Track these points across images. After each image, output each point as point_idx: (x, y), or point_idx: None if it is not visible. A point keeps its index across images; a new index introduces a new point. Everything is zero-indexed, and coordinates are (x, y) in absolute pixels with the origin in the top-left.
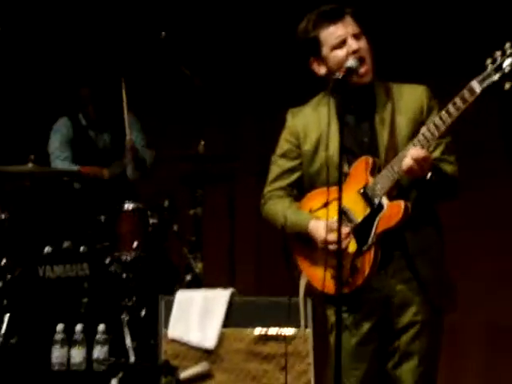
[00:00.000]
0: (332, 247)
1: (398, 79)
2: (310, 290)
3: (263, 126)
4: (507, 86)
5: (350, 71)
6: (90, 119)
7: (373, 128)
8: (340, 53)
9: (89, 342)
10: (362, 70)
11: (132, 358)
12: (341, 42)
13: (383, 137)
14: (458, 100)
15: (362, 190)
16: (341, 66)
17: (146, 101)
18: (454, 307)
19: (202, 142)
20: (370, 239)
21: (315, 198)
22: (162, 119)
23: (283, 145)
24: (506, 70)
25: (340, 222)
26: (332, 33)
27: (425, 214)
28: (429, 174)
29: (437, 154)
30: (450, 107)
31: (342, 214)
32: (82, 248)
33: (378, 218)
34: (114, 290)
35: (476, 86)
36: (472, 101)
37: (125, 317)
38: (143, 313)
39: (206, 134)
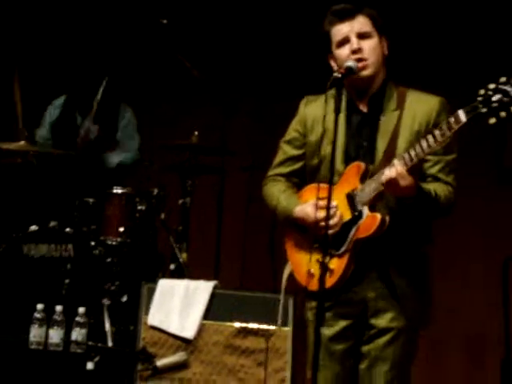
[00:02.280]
0: (323, 224)
1: (418, 86)
2: (292, 280)
3: (258, 121)
4: (492, 120)
5: (350, 71)
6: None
7: (374, 133)
8: (343, 51)
9: (68, 324)
10: (360, 64)
11: (110, 343)
12: (344, 40)
13: (382, 144)
14: (444, 126)
15: (348, 194)
16: (343, 64)
17: (142, 89)
18: (427, 323)
19: (196, 133)
20: (345, 245)
21: (311, 192)
22: (157, 108)
23: (291, 131)
24: (494, 105)
25: (327, 217)
26: (338, 30)
27: (409, 229)
28: (410, 200)
29: (433, 171)
30: (436, 132)
31: (334, 208)
32: (67, 229)
33: (356, 226)
34: (97, 273)
35: (462, 115)
36: (457, 128)
37: (106, 301)
38: (125, 298)
39: (200, 124)
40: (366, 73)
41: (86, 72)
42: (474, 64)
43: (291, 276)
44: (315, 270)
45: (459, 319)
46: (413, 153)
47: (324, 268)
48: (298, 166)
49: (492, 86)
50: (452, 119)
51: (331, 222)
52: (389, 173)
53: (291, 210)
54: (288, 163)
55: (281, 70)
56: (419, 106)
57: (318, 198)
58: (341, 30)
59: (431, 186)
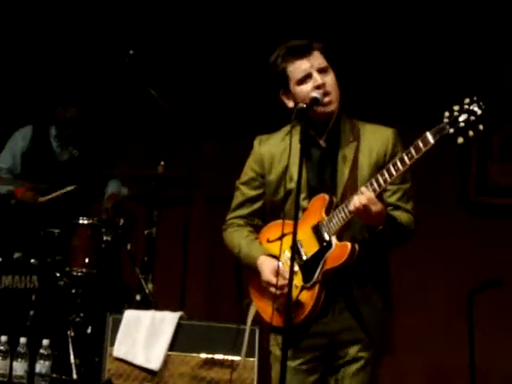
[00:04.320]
0: (272, 290)
1: (368, 118)
2: (259, 319)
3: (224, 153)
4: (460, 140)
5: (315, 101)
6: (62, 133)
7: (335, 165)
8: (305, 87)
9: (32, 356)
10: (326, 99)
11: (75, 375)
12: (306, 77)
13: (344, 175)
14: (412, 149)
15: (314, 227)
16: (305, 99)
17: (108, 119)
18: (392, 351)
19: (162, 163)
20: (316, 276)
21: (274, 230)
22: (124, 137)
23: (247, 172)
24: (461, 125)
25: (293, 258)
26: (297, 67)
27: (374, 259)
28: (379, 227)
29: (393, 199)
30: (404, 156)
31: (291, 248)
32: (32, 260)
33: (325, 257)
34: (61, 304)
35: (430, 137)
36: (425, 151)
37: (70, 332)
38: (89, 330)
39: (166, 155)
40: (331, 108)
41: (55, 100)
42: (417, 93)
43: (256, 316)
44: (282, 307)
45: (423, 352)
46: (381, 178)
47: (289, 304)
48: (257, 206)
49: (456, 107)
50: (420, 142)
51: (281, 291)
52: (358, 200)
53: (254, 259)
54: (247, 205)
55: (247, 100)
56: (375, 137)
57: (283, 235)
58: (300, 66)
59: (395, 214)
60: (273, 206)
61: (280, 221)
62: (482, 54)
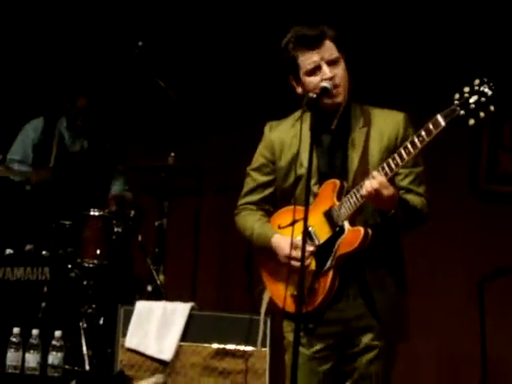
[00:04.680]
0: (294, 263)
1: (379, 103)
2: (272, 305)
3: (234, 143)
4: (471, 121)
5: (325, 91)
6: (74, 124)
7: (345, 151)
8: (314, 79)
9: (44, 347)
10: (335, 91)
11: (87, 366)
12: (315, 68)
13: (354, 161)
14: (422, 132)
15: (326, 212)
16: (314, 89)
17: (118, 111)
18: (406, 338)
19: (172, 154)
20: (329, 262)
21: (285, 215)
22: (133, 129)
23: (258, 158)
24: (471, 107)
25: (304, 241)
26: (307, 58)
27: (387, 243)
28: (392, 212)
29: (405, 183)
30: (415, 139)
31: (303, 233)
32: (44, 252)
33: (338, 242)
34: (73, 296)
35: (441, 119)
36: (436, 133)
37: (83, 324)
38: (101, 321)
39: (176, 146)
40: (338, 100)
41: (65, 92)
42: (429, 79)
43: (270, 302)
44: (296, 292)
45: (435, 339)
46: (392, 162)
47: (302, 291)
48: (268, 192)
49: (467, 88)
50: (430, 124)
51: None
52: (370, 184)
53: (268, 239)
54: (258, 190)
55: (255, 89)
56: (385, 122)
57: (295, 221)
58: (310, 58)
59: (407, 197)
60: (283, 193)
61: (291, 207)
62: (493, 41)
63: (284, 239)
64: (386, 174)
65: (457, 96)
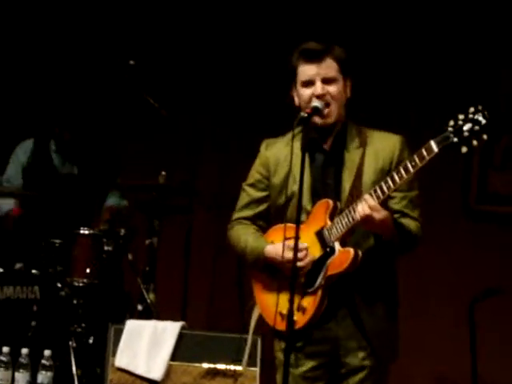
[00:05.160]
0: (301, 264)
1: (376, 125)
2: (261, 322)
3: (225, 161)
4: (464, 149)
5: (316, 110)
6: (62, 149)
7: (339, 171)
8: (306, 92)
9: (34, 367)
10: (326, 110)
11: None
12: (308, 82)
13: (348, 181)
14: (415, 157)
15: (318, 232)
16: (306, 103)
17: (109, 129)
18: (395, 358)
19: (163, 173)
20: (318, 281)
21: (278, 233)
22: (124, 148)
23: (254, 174)
24: (465, 135)
25: (295, 258)
26: (305, 70)
27: (379, 266)
28: (388, 236)
29: (399, 206)
30: (408, 163)
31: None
32: (33, 270)
33: (328, 262)
34: (63, 315)
35: (434, 145)
36: (429, 159)
37: (72, 343)
38: (91, 340)
39: (167, 164)
40: (328, 120)
41: (55, 113)
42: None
43: (260, 319)
44: (286, 310)
45: (426, 357)
46: (385, 186)
47: (292, 306)
48: (262, 208)
49: (461, 116)
50: (423, 150)
51: (302, 262)
52: (362, 208)
53: (262, 249)
54: (252, 206)
55: (247, 108)
56: (381, 143)
57: (286, 238)
58: (307, 71)
59: (402, 221)
60: (277, 210)
61: (283, 224)
62: (480, 59)
63: (278, 245)
64: (378, 197)
65: (451, 123)
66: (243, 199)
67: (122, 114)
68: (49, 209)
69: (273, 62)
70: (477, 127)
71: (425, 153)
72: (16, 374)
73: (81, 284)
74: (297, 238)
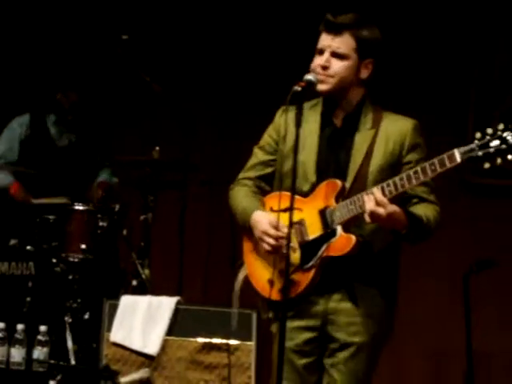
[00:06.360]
0: (268, 240)
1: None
2: (247, 284)
3: (220, 136)
4: (487, 165)
5: (310, 84)
6: (63, 119)
7: (349, 150)
8: (315, 60)
9: (30, 342)
10: (321, 77)
11: (72, 361)
12: (320, 50)
13: (356, 161)
14: (436, 162)
15: (321, 211)
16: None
17: (102, 105)
18: (387, 338)
19: (157, 148)
20: (313, 260)
21: (277, 200)
22: (118, 123)
23: (265, 137)
24: (491, 151)
25: (290, 229)
26: (321, 39)
27: (380, 250)
28: (404, 230)
29: (416, 192)
30: (427, 167)
31: (296, 225)
32: (28, 247)
33: (327, 243)
34: (58, 290)
35: (458, 155)
36: (450, 167)
37: (68, 319)
38: (87, 316)
39: (161, 140)
40: (321, 87)
41: (55, 86)
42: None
43: (246, 279)
44: (276, 279)
45: (421, 332)
46: (399, 183)
47: (287, 280)
48: (267, 171)
49: (490, 130)
50: (446, 158)
51: (274, 241)
52: (368, 203)
53: (250, 214)
54: (258, 168)
55: (242, 84)
56: (394, 127)
57: (293, 207)
58: (322, 40)
59: (420, 210)
60: (280, 176)
61: (285, 193)
62: (477, 29)
63: (265, 215)
64: (390, 193)
65: (478, 135)
66: (251, 161)
67: (115, 89)
68: (45, 183)
69: (266, 38)
70: (504, 146)
71: (447, 161)
72: (12, 349)
73: (76, 260)
74: (292, 210)
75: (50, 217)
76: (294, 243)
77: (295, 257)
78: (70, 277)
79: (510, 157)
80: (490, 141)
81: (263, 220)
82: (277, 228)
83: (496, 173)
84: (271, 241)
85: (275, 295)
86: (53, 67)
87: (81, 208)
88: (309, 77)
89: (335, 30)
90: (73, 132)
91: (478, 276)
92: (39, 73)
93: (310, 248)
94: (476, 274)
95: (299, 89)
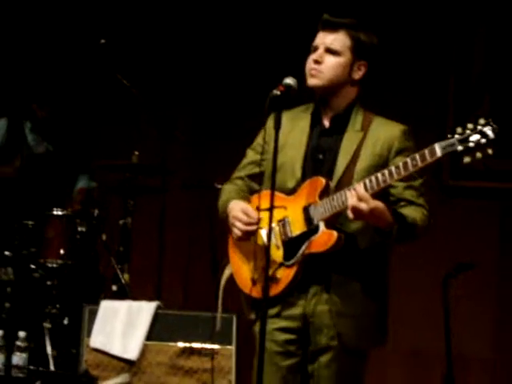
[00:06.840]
0: (238, 225)
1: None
2: (231, 284)
3: (199, 141)
4: (466, 159)
5: (289, 88)
6: (38, 127)
7: (336, 150)
8: (310, 57)
9: (9, 348)
10: (312, 71)
11: (52, 367)
12: (315, 48)
13: (342, 161)
14: (417, 157)
15: (305, 208)
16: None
17: (81, 109)
18: (373, 344)
19: (136, 153)
20: (296, 257)
21: (266, 199)
22: (97, 127)
23: (257, 138)
24: (471, 145)
25: (270, 226)
26: (317, 37)
27: (364, 249)
28: (388, 228)
29: (404, 195)
30: (408, 161)
31: (280, 224)
32: (6, 252)
33: (310, 240)
34: (37, 296)
35: (438, 149)
36: (431, 162)
37: (47, 324)
38: (66, 321)
39: (140, 144)
40: (312, 82)
41: (31, 90)
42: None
43: (231, 278)
44: (259, 277)
45: (400, 334)
46: (381, 178)
47: (267, 277)
48: (256, 170)
49: (470, 125)
50: (427, 152)
51: (244, 226)
52: (350, 199)
53: (227, 205)
54: (248, 167)
55: (220, 87)
56: (383, 130)
57: (274, 207)
58: (318, 37)
59: (406, 211)
60: (268, 176)
61: (268, 191)
62: (456, 18)
63: (239, 203)
64: (371, 188)
65: (459, 130)
66: (243, 161)
67: (94, 93)
68: (22, 190)
69: (246, 42)
70: (484, 140)
71: (428, 155)
72: None
73: (54, 265)
74: (272, 204)
75: (29, 222)
76: (277, 240)
77: (278, 254)
78: (49, 282)
79: (489, 151)
80: (470, 135)
81: (235, 207)
82: (247, 214)
83: (473, 175)
84: (241, 225)
85: (258, 293)
86: (28, 78)
87: (59, 213)
88: (288, 80)
89: (331, 28)
90: (49, 142)
91: (456, 278)
92: (16, 79)
93: (293, 245)
94: (454, 277)
95: (278, 93)
